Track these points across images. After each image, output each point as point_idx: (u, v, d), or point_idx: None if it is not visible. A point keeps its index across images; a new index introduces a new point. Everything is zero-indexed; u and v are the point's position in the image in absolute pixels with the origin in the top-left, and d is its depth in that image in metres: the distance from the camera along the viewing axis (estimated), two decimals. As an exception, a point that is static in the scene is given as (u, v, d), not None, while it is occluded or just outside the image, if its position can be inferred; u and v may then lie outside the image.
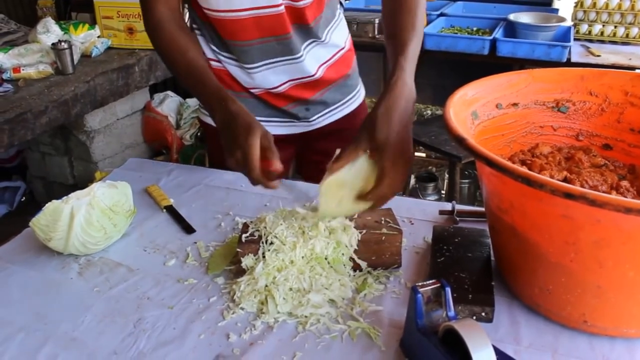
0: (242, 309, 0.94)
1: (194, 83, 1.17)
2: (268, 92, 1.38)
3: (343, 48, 1.43)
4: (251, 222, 1.05)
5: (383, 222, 1.04)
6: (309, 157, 1.55)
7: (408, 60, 1.04)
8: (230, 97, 1.10)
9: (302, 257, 0.97)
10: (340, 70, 1.43)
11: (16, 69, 2.47)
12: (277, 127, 1.40)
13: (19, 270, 1.07)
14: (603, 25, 3.00)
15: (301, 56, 1.32)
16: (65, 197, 1.07)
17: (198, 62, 1.19)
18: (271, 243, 0.98)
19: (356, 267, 1.02)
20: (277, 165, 0.99)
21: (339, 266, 0.99)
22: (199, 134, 3.22)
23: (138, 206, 1.18)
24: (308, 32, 1.31)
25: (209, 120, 1.42)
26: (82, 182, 2.89)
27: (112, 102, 2.75)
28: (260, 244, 0.98)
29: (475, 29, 3.12)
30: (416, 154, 3.42)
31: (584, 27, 3.02)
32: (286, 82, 1.36)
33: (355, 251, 1.00)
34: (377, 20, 3.08)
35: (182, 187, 1.34)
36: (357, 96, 1.51)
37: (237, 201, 1.27)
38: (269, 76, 1.34)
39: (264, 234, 0.99)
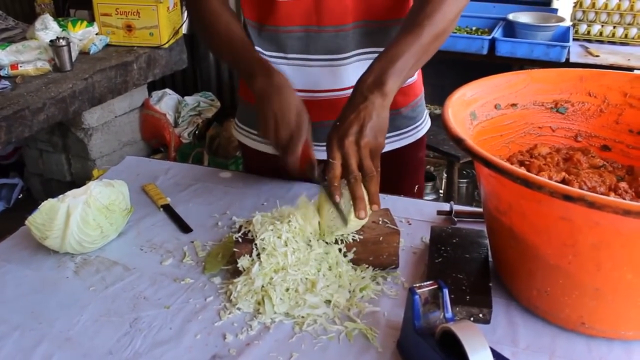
0: (238, 309, 0.94)
1: (234, 52, 1.16)
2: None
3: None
4: (246, 221, 1.05)
5: (380, 222, 1.03)
6: None
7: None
8: (276, 69, 1.09)
9: (296, 263, 0.97)
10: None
11: (14, 66, 2.47)
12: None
13: (15, 269, 1.06)
14: (602, 26, 3.00)
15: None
16: (62, 195, 1.07)
17: (241, 33, 1.18)
18: (263, 248, 0.97)
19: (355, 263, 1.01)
20: (314, 157, 1.03)
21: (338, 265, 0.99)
22: (196, 132, 3.21)
23: (135, 205, 1.18)
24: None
25: (249, 143, 1.40)
26: (80, 179, 2.88)
27: (110, 99, 2.75)
28: (254, 246, 0.98)
29: (474, 28, 3.12)
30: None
31: (582, 27, 3.02)
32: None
33: (353, 251, 1.00)
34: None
35: (179, 186, 1.33)
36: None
37: (234, 200, 1.27)
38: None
39: (255, 237, 0.99)
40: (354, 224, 0.98)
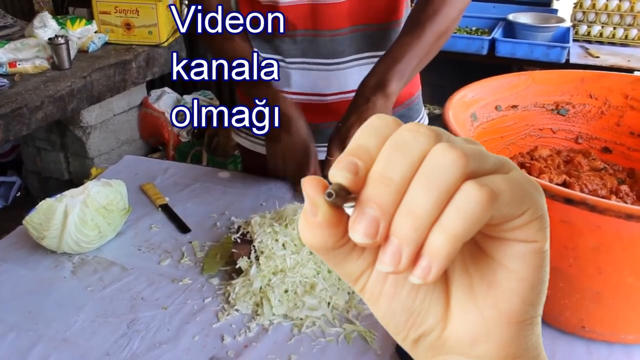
0: (237, 310, 0.93)
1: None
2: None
3: None
4: (244, 222, 1.04)
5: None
6: None
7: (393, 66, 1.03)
8: (283, 97, 1.09)
9: (295, 266, 0.96)
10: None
11: (12, 64, 2.45)
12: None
13: (12, 269, 1.05)
14: (602, 27, 2.99)
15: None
16: (59, 195, 1.06)
17: (248, 52, 1.19)
18: (262, 251, 0.96)
19: None
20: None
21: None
22: (195, 130, 3.21)
23: (133, 204, 1.17)
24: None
25: (247, 145, 1.39)
26: (78, 177, 2.87)
27: (109, 97, 2.73)
28: (252, 247, 0.97)
29: (474, 28, 3.11)
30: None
31: (583, 28, 3.01)
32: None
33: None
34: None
35: (177, 186, 1.33)
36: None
37: (233, 201, 1.26)
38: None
39: (253, 238, 0.98)
40: None
